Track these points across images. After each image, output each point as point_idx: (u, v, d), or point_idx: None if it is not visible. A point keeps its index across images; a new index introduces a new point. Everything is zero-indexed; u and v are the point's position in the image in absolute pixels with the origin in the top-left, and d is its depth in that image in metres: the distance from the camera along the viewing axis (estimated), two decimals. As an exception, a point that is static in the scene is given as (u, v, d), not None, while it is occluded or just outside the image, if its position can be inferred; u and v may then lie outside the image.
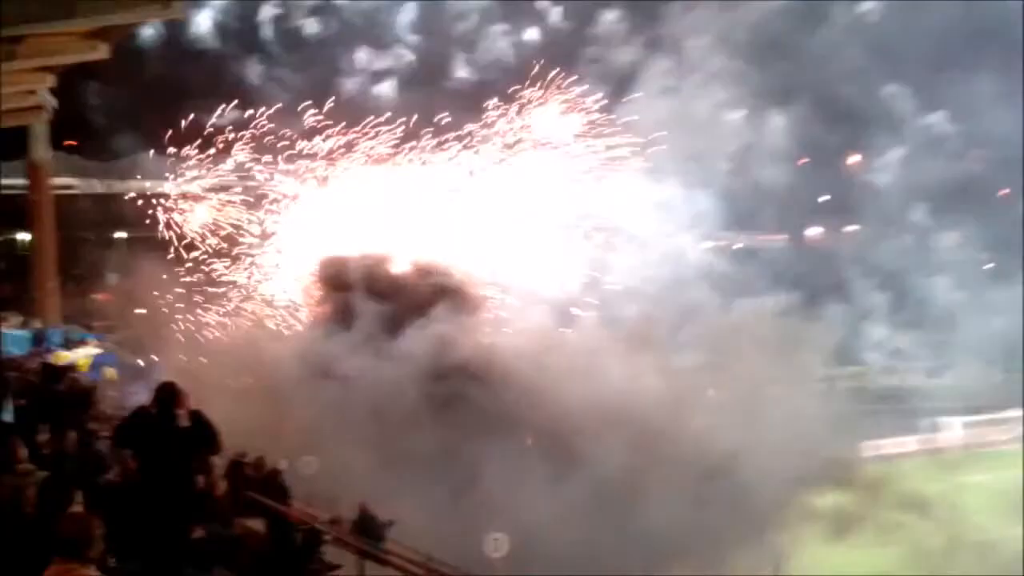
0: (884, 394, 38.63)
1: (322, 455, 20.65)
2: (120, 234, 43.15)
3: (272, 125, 29.65)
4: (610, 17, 33.17)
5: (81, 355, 21.71)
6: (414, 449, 23.59)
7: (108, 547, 5.65)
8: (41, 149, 27.55)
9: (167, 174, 30.87)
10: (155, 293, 29.10)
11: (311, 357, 26.70)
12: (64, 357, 20.16)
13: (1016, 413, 37.71)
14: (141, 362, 25.65)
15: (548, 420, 24.44)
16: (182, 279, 29.70)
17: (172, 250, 30.04)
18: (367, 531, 18.43)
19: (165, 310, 28.92)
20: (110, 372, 22.36)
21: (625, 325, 28.24)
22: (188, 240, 30.02)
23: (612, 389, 24.85)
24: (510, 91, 29.87)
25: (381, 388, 25.18)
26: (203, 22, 33.60)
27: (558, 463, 23.77)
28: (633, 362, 26.05)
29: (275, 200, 30.60)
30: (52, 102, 25.84)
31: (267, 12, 33.70)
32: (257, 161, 30.17)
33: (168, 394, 8.12)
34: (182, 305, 29.16)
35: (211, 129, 29.89)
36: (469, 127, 29.59)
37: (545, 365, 25.95)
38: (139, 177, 41.11)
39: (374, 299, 28.22)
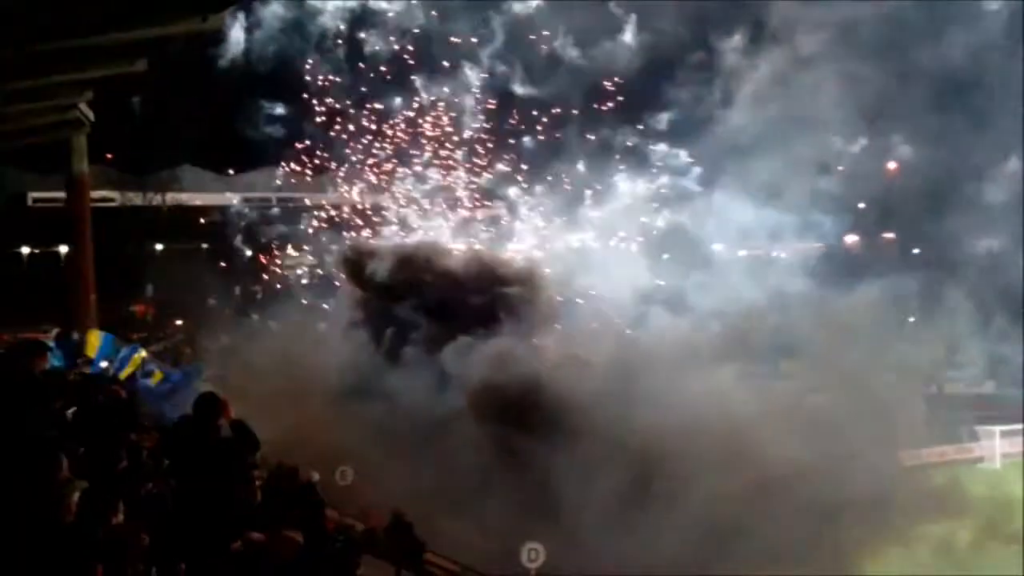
0: (982, 402, 37.82)
1: (378, 472, 20.40)
2: (158, 246, 43.74)
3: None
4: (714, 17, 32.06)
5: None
6: (491, 469, 23.11)
7: (150, 557, 5.66)
8: (80, 163, 27.74)
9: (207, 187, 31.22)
10: (197, 303, 29.31)
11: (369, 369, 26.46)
12: (133, 368, 20.11)
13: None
14: (179, 372, 25.82)
15: (626, 435, 23.68)
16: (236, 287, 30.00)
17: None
18: (401, 537, 18.43)
19: (207, 320, 29.13)
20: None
21: (717, 337, 27.47)
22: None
23: (698, 404, 23.98)
24: (597, 103, 29.62)
25: (453, 401, 24.71)
26: (241, 36, 33.75)
27: (641, 481, 23.12)
28: (718, 375, 25.28)
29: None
30: (90, 116, 26.24)
31: (315, 24, 33.74)
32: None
33: (210, 404, 8.12)
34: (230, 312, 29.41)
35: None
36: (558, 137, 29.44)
37: (623, 379, 25.19)
38: (177, 190, 41.68)
39: (438, 307, 27.93)
